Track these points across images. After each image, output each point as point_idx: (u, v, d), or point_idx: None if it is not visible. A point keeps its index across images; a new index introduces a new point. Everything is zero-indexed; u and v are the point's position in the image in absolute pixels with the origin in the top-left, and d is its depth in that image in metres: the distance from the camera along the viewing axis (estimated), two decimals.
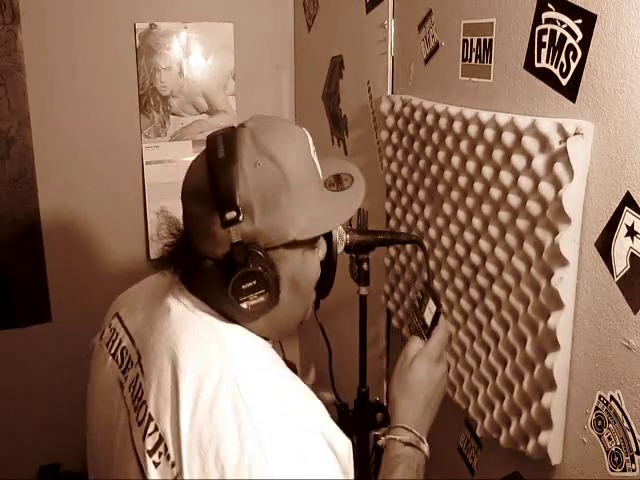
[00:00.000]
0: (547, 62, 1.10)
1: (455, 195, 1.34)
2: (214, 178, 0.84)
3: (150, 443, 0.83)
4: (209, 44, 2.19)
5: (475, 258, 1.30)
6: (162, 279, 0.98)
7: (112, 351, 0.99)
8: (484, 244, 1.27)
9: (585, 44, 1.01)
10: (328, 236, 1.03)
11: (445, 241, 1.40)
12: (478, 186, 1.26)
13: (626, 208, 0.97)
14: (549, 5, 1.08)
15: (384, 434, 1.03)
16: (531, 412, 1.16)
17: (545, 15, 1.09)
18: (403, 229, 1.60)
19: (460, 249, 1.35)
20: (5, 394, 2.12)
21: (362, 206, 1.91)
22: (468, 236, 1.31)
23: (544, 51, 1.10)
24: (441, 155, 1.37)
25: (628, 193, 0.97)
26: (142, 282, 1.09)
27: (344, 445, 0.85)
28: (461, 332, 1.38)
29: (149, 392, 0.86)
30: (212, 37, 2.19)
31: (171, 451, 0.80)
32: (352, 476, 0.86)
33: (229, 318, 0.90)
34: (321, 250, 0.99)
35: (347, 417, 1.33)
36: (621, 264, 0.99)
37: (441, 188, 1.40)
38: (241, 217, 0.82)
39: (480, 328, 1.31)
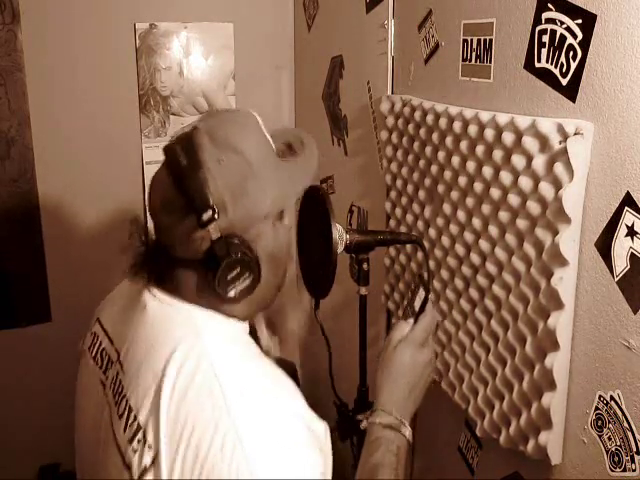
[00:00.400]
0: (547, 62, 1.10)
1: (455, 195, 1.34)
2: (183, 186, 0.86)
3: (129, 433, 0.86)
4: (209, 44, 2.19)
5: (475, 258, 1.30)
6: (133, 283, 1.01)
7: (93, 354, 1.02)
8: (484, 244, 1.27)
9: (585, 44, 1.01)
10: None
11: (445, 241, 1.40)
12: (478, 186, 1.26)
13: (626, 208, 0.97)
14: (549, 5, 1.08)
15: (366, 417, 1.04)
16: (531, 412, 1.16)
17: (545, 15, 1.09)
18: (403, 229, 1.60)
19: (460, 249, 1.35)
20: (5, 394, 2.12)
21: (362, 206, 1.91)
22: (468, 236, 1.31)
23: (544, 51, 1.10)
24: (441, 155, 1.37)
25: (628, 193, 0.97)
26: (117, 288, 1.11)
27: (320, 426, 0.88)
28: (461, 332, 1.38)
29: (129, 386, 0.89)
30: (212, 37, 2.19)
31: (149, 437, 0.83)
32: (330, 457, 0.88)
33: (208, 307, 0.93)
34: (288, 217, 1.00)
35: (347, 417, 1.33)
36: (621, 264, 0.99)
37: (441, 188, 1.40)
38: (217, 215, 0.85)
39: (480, 328, 1.31)
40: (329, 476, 0.88)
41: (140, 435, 0.84)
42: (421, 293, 1.15)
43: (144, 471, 0.83)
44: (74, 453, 1.15)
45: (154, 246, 0.96)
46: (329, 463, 0.88)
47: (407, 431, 1.01)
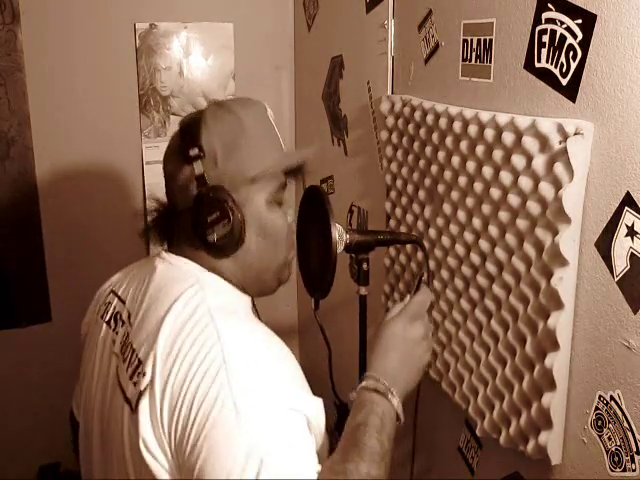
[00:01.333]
0: (547, 62, 1.10)
1: (455, 195, 1.34)
2: (182, 134, 1.01)
3: (130, 370, 0.93)
4: (209, 44, 2.19)
5: (475, 258, 1.30)
6: (148, 258, 1.13)
7: (107, 319, 1.09)
8: (484, 244, 1.27)
9: (585, 44, 1.01)
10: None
11: (445, 241, 1.40)
12: (478, 186, 1.26)
13: (626, 208, 0.97)
14: (549, 5, 1.08)
15: (356, 391, 1.03)
16: (531, 412, 1.16)
17: (545, 15, 1.09)
18: (403, 229, 1.60)
19: (460, 249, 1.35)
20: (5, 394, 2.12)
21: (362, 206, 1.91)
22: (468, 236, 1.31)
23: (544, 51, 1.10)
24: (441, 155, 1.37)
25: (628, 193, 0.97)
26: (131, 265, 1.21)
27: (313, 401, 0.91)
28: (461, 332, 1.38)
29: (134, 334, 0.97)
30: (212, 37, 2.19)
31: (147, 367, 0.89)
32: (322, 409, 0.91)
33: (208, 267, 1.01)
34: (286, 206, 1.08)
35: (347, 417, 1.33)
36: (621, 264, 0.99)
37: (441, 188, 1.40)
38: (203, 154, 0.97)
39: (480, 328, 1.31)
40: (320, 429, 0.90)
41: (140, 369, 0.91)
42: (416, 283, 1.18)
43: (140, 395, 0.88)
44: (73, 451, 1.16)
45: (164, 211, 1.07)
46: (319, 414, 0.90)
47: (395, 400, 0.99)
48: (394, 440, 0.97)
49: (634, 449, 1.00)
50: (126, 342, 0.99)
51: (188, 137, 0.99)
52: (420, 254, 1.52)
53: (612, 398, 1.04)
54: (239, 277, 1.03)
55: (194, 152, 0.97)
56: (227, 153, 0.99)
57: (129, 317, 1.02)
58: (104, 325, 1.09)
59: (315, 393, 0.92)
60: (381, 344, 1.06)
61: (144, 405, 0.87)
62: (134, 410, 0.89)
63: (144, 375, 0.89)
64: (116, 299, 1.10)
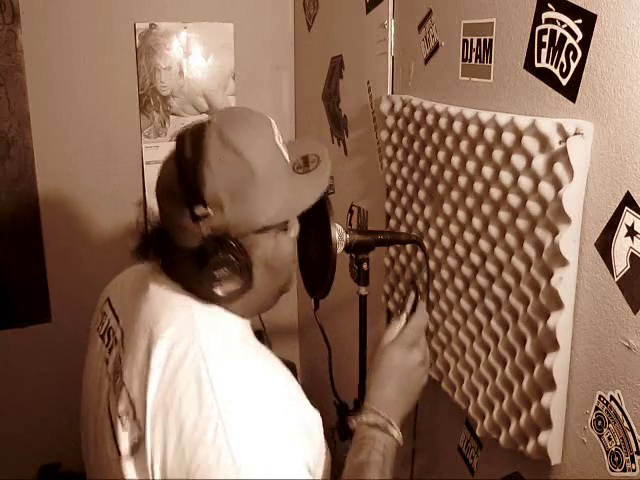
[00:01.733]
0: (547, 62, 1.10)
1: (455, 195, 1.34)
2: (183, 177, 0.88)
3: (121, 407, 0.89)
4: (209, 44, 2.19)
5: (475, 258, 1.30)
6: (145, 266, 1.05)
7: (101, 332, 1.06)
8: (484, 244, 1.27)
9: (585, 44, 1.01)
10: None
11: (445, 241, 1.40)
12: (478, 186, 1.26)
13: (626, 208, 0.97)
14: (549, 5, 1.08)
15: (355, 418, 1.03)
16: (531, 412, 1.15)
17: (545, 15, 1.09)
18: (403, 229, 1.60)
19: (460, 249, 1.35)
20: (5, 394, 2.12)
21: (362, 206, 1.91)
22: (468, 236, 1.31)
23: (544, 51, 1.10)
24: (441, 155, 1.37)
25: (628, 193, 0.97)
26: (128, 270, 1.14)
27: (312, 415, 0.90)
28: (461, 332, 1.37)
29: (125, 363, 0.93)
30: (212, 37, 2.18)
31: (139, 414, 0.86)
32: (322, 446, 0.91)
33: (207, 300, 0.94)
34: (293, 230, 1.01)
35: (347, 417, 1.33)
36: (621, 264, 0.99)
37: (441, 188, 1.40)
38: (210, 211, 0.87)
39: (480, 328, 1.31)
40: (321, 466, 0.89)
41: (131, 411, 0.87)
42: (412, 295, 1.16)
43: (133, 448, 0.85)
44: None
45: (159, 230, 0.98)
46: (320, 452, 0.89)
47: (395, 431, 1.00)
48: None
49: (634, 449, 1.00)
50: (118, 369, 0.94)
51: (190, 187, 0.87)
52: (420, 254, 1.52)
53: (612, 398, 1.04)
54: (241, 310, 0.97)
55: (201, 212, 0.86)
56: (234, 201, 0.88)
57: (122, 338, 0.98)
58: (99, 339, 1.05)
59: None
60: (379, 374, 1.06)
61: (131, 458, 0.85)
62: (120, 453, 0.87)
63: (138, 427, 0.85)
64: (110, 312, 1.06)
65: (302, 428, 0.87)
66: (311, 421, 0.90)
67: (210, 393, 0.83)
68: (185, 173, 0.88)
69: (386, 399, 1.03)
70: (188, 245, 0.90)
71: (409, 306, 1.15)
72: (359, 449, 0.97)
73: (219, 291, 0.90)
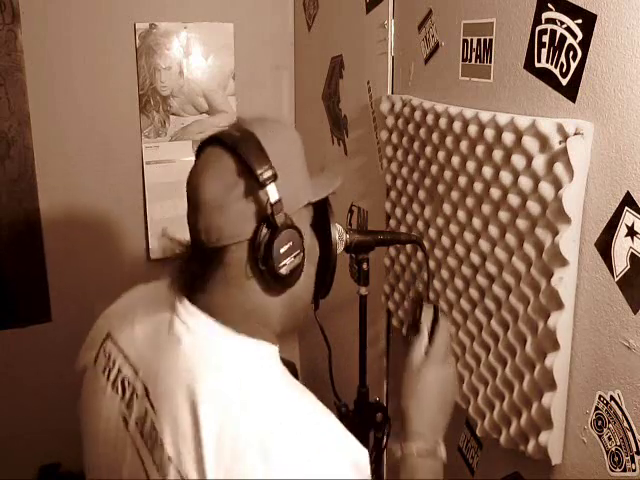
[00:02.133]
0: (547, 62, 1.10)
1: (455, 195, 1.34)
2: (240, 151, 0.83)
3: (163, 470, 0.80)
4: (209, 44, 2.19)
5: (475, 258, 1.30)
6: (153, 290, 0.97)
7: (111, 380, 0.93)
8: (484, 244, 1.27)
9: (585, 44, 1.01)
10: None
11: (445, 241, 1.40)
12: (478, 186, 1.26)
13: (626, 208, 0.97)
14: (549, 5, 1.08)
15: (400, 445, 1.01)
16: (531, 412, 1.16)
17: (545, 15, 1.09)
18: (403, 229, 1.60)
19: (460, 249, 1.35)
20: (5, 394, 2.12)
21: (362, 206, 1.91)
22: (468, 236, 1.31)
23: (544, 51, 1.10)
24: (441, 155, 1.37)
25: (628, 193, 0.97)
26: (129, 295, 1.04)
27: (363, 455, 0.84)
28: (461, 332, 1.37)
29: (164, 432, 0.82)
30: (212, 37, 2.18)
31: None
32: None
33: (249, 308, 0.88)
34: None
35: (347, 417, 1.33)
36: (621, 264, 0.99)
37: (441, 188, 1.40)
38: (276, 174, 0.82)
39: (480, 328, 1.31)
40: None
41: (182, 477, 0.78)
42: (427, 308, 1.14)
43: None
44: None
45: (186, 253, 0.91)
46: None
47: (442, 452, 1.00)
48: None
49: (634, 449, 1.00)
50: (152, 435, 0.84)
51: (252, 154, 0.82)
52: (420, 254, 1.52)
53: (612, 398, 1.04)
54: (281, 317, 0.93)
55: (268, 173, 0.81)
56: (285, 175, 0.84)
57: (147, 394, 0.87)
58: (109, 389, 0.93)
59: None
60: (418, 396, 1.04)
61: None
62: None
63: None
64: (120, 355, 0.94)
65: (358, 473, 0.83)
66: (363, 462, 0.84)
67: (274, 467, 0.76)
68: (240, 146, 0.83)
69: (430, 419, 1.02)
70: (242, 233, 0.84)
71: (428, 323, 1.12)
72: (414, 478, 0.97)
73: (284, 270, 0.85)
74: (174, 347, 0.86)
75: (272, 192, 0.82)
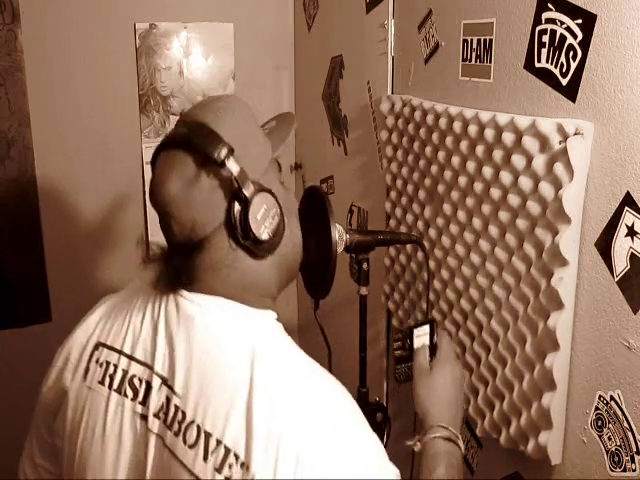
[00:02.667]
0: (547, 62, 1.10)
1: (455, 195, 1.34)
2: (192, 143, 0.86)
3: (216, 460, 0.80)
4: (209, 44, 2.18)
5: (475, 258, 1.30)
6: (125, 295, 1.00)
7: (116, 386, 0.92)
8: (484, 244, 1.27)
9: (585, 44, 1.01)
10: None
11: (445, 241, 1.40)
12: (478, 186, 1.26)
13: (626, 208, 0.98)
14: (549, 5, 1.08)
15: (419, 439, 1.05)
16: (531, 412, 1.16)
17: (545, 15, 1.09)
18: (403, 229, 1.60)
19: (460, 249, 1.35)
20: (5, 394, 2.12)
21: (362, 206, 1.91)
22: (468, 236, 1.31)
23: (544, 51, 1.10)
24: (441, 155, 1.37)
25: (628, 193, 0.97)
26: (104, 305, 1.04)
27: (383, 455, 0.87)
28: (461, 332, 1.38)
29: (197, 410, 0.82)
30: (212, 37, 2.18)
31: (242, 455, 0.78)
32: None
33: (245, 284, 0.90)
34: (286, 183, 1.01)
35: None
36: (621, 264, 0.99)
37: (441, 188, 1.40)
38: (232, 149, 0.84)
39: (480, 328, 1.31)
40: None
41: (231, 459, 0.78)
42: (418, 331, 1.21)
43: None
44: None
45: (169, 250, 0.92)
46: None
47: (461, 443, 1.05)
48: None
49: (634, 449, 1.00)
50: (177, 418, 0.84)
51: (204, 140, 0.85)
52: (420, 254, 1.52)
53: (612, 398, 1.04)
54: (277, 278, 0.95)
55: (224, 151, 0.84)
56: (242, 145, 0.87)
57: (165, 382, 0.87)
58: (114, 395, 0.92)
59: None
60: (436, 393, 1.10)
61: None
62: None
63: (242, 467, 0.77)
64: (123, 358, 0.93)
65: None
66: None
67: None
68: (192, 140, 0.86)
69: (450, 415, 1.07)
70: (214, 216, 0.86)
71: (426, 337, 1.21)
72: (435, 466, 0.99)
73: (266, 234, 0.87)
74: (187, 326, 0.88)
75: (233, 166, 0.84)
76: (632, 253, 0.97)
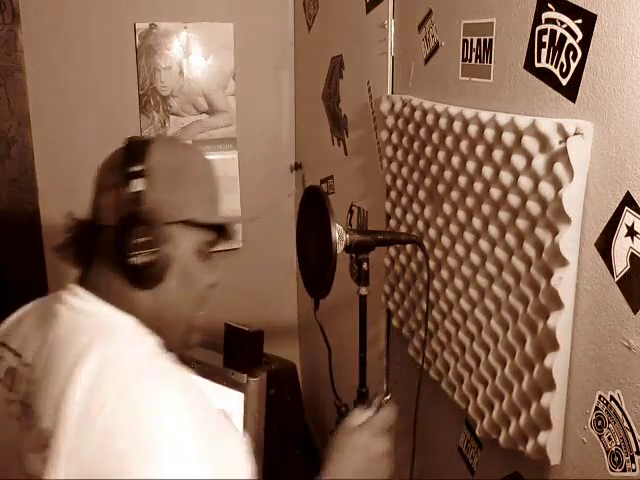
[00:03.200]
0: (547, 62, 1.10)
1: (455, 195, 1.34)
2: (128, 150, 0.97)
3: (37, 441, 0.83)
4: (209, 44, 2.19)
5: (475, 258, 1.30)
6: (47, 297, 1.08)
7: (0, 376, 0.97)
8: (484, 244, 1.27)
9: (585, 44, 1.01)
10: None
11: (445, 241, 1.40)
12: (478, 186, 1.26)
13: (626, 208, 0.97)
14: (549, 5, 1.08)
15: None
16: (531, 412, 1.15)
17: (545, 15, 1.09)
18: (403, 229, 1.60)
19: (460, 249, 1.35)
20: None
21: (362, 206, 1.92)
22: (468, 236, 1.32)
23: (544, 51, 1.10)
24: (441, 155, 1.38)
25: (628, 193, 0.97)
26: (20, 312, 1.11)
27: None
28: (461, 332, 1.38)
29: (36, 395, 0.87)
30: (212, 37, 2.19)
31: (54, 441, 0.80)
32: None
33: (123, 300, 0.94)
34: (209, 267, 1.02)
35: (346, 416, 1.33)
36: (621, 264, 0.99)
37: (441, 188, 1.40)
38: (147, 173, 0.93)
39: (480, 328, 1.31)
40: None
41: (49, 442, 0.81)
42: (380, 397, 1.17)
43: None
44: None
45: (85, 228, 1.02)
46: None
47: None
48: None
49: (634, 449, 1.00)
50: (27, 402, 0.89)
51: (133, 153, 0.96)
52: (420, 254, 1.52)
53: (612, 398, 1.04)
54: (155, 315, 0.97)
55: (138, 168, 0.93)
56: (170, 182, 0.95)
57: (30, 373, 0.92)
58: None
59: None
60: (342, 452, 1.06)
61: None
62: None
63: (54, 453, 0.80)
64: (8, 352, 0.98)
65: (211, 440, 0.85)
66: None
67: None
68: (131, 147, 0.97)
69: (341, 477, 1.03)
70: (115, 217, 0.93)
71: (377, 401, 1.16)
72: None
73: (135, 260, 0.91)
74: (51, 321, 0.95)
75: (139, 184, 0.93)
76: (632, 253, 0.97)
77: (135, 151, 0.96)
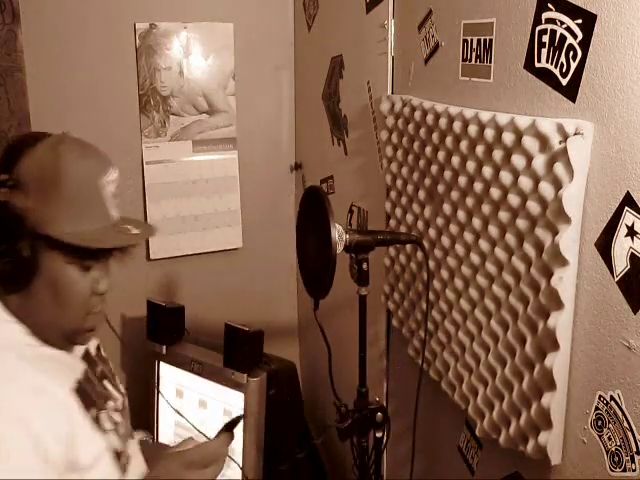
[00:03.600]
0: (547, 62, 1.10)
1: (455, 195, 1.34)
2: (2, 155, 0.96)
3: None
4: (209, 44, 2.19)
5: (475, 258, 1.30)
6: None
7: None
8: (484, 244, 1.27)
9: (585, 44, 1.01)
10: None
11: (445, 241, 1.40)
12: (478, 186, 1.26)
13: (626, 208, 0.97)
14: (549, 5, 1.08)
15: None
16: (531, 412, 1.15)
17: (545, 15, 1.09)
18: (403, 229, 1.60)
19: (460, 249, 1.35)
20: None
21: (362, 206, 1.92)
22: (468, 236, 1.31)
23: (544, 51, 1.10)
24: (441, 155, 1.38)
25: (628, 193, 0.97)
26: None
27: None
28: (461, 332, 1.38)
29: None
30: (212, 37, 2.19)
31: None
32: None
33: None
34: (102, 281, 1.01)
35: (347, 417, 1.33)
36: (621, 264, 0.99)
37: (441, 188, 1.40)
38: (14, 184, 0.92)
39: (480, 328, 1.31)
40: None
41: None
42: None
43: None
44: None
45: None
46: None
47: None
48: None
49: (634, 449, 1.00)
50: None
51: (5, 161, 0.94)
52: (420, 254, 1.52)
53: (612, 398, 1.04)
54: (25, 316, 0.98)
55: (3, 177, 0.92)
56: (36, 195, 0.93)
57: None
58: None
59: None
60: (151, 475, 1.04)
61: None
62: None
63: None
64: None
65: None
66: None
67: None
68: (5, 152, 0.95)
69: None
70: None
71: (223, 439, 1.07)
72: None
73: None
74: None
75: (3, 194, 0.91)
76: (632, 253, 0.97)
77: (7, 158, 0.95)
